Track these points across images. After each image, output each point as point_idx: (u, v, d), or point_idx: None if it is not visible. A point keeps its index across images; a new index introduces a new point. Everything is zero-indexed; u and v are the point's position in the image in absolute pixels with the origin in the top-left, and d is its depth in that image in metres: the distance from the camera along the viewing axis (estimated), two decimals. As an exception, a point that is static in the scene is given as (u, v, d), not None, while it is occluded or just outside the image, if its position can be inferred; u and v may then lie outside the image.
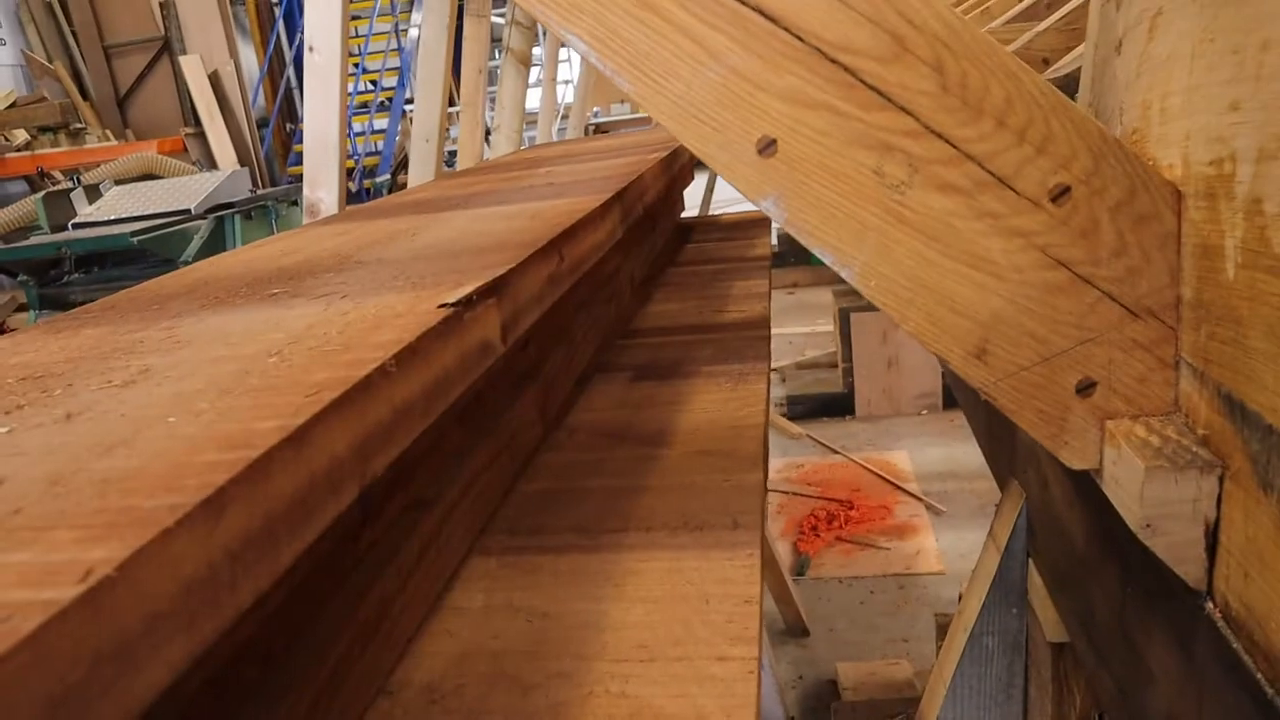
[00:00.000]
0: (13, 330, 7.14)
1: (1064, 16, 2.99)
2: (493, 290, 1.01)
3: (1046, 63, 2.95)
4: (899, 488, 4.00)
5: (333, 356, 0.80)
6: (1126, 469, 0.94)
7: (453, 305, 0.91)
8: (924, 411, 4.84)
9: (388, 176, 11.20)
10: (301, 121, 13.03)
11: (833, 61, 0.91)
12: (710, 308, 2.20)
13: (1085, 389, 1.01)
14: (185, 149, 9.59)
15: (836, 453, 4.45)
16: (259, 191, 6.39)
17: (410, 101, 15.18)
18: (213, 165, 9.66)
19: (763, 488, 1.27)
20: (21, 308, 7.48)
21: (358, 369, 0.74)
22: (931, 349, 1.00)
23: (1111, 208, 0.95)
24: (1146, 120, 1.02)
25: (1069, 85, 2.34)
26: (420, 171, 3.21)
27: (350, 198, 10.97)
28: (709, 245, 2.94)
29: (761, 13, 0.90)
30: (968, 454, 4.21)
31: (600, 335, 1.84)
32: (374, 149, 11.77)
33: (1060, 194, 0.95)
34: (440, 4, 3.23)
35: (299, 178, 12.11)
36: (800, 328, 6.38)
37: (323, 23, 2.54)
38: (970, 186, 0.94)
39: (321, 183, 2.60)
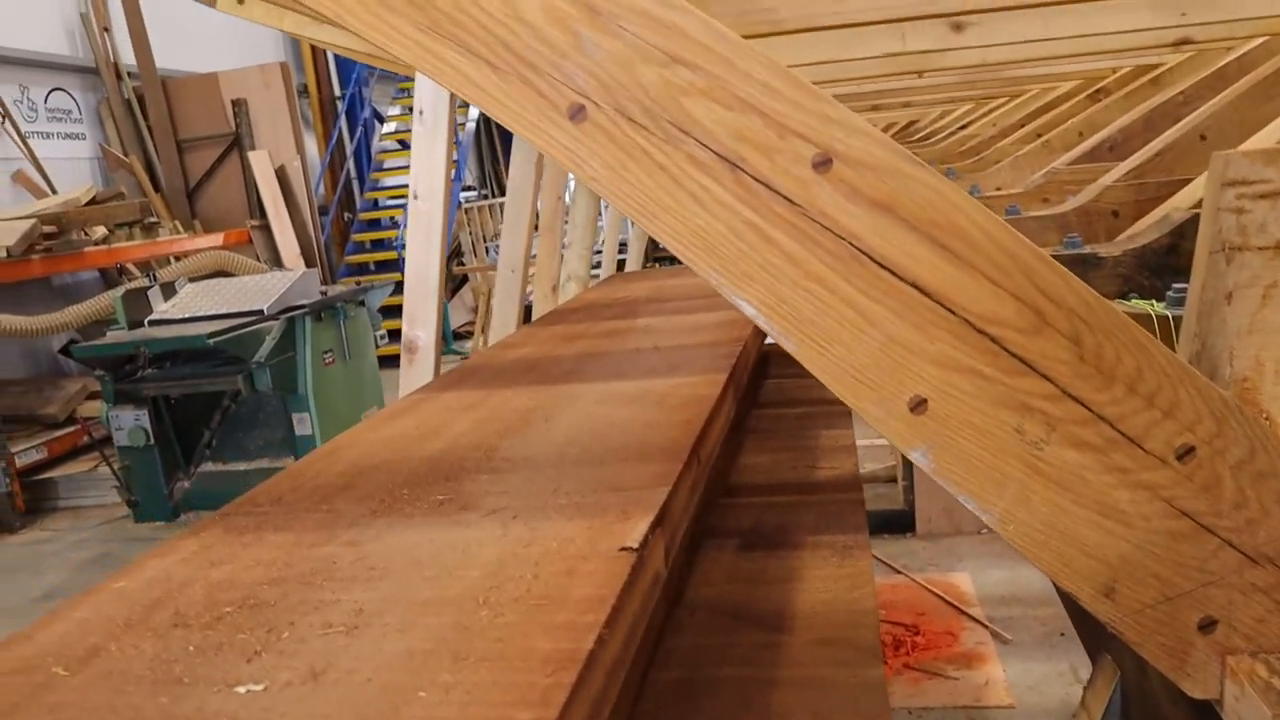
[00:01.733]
0: (91, 419, 7.34)
1: (1132, 170, 3.09)
2: (659, 521, 1.10)
3: (1116, 215, 3.05)
4: (964, 613, 4.03)
5: (544, 615, 0.89)
6: (1250, 710, 1.01)
7: (635, 550, 1.00)
8: (985, 530, 4.85)
9: (442, 267, 11.43)
10: (360, 210, 13.39)
11: (980, 332, 1.01)
12: (802, 461, 2.28)
13: (1207, 626, 1.08)
14: (250, 240, 9.88)
15: (899, 572, 4.49)
16: (328, 293, 6.57)
17: (468, 189, 15.54)
18: (276, 256, 9.94)
19: (884, 682, 1.34)
20: (93, 395, 7.71)
21: (579, 638, 0.83)
22: (1063, 586, 1.09)
23: (1233, 466, 1.04)
24: (1260, 375, 1.11)
25: (1146, 256, 2.43)
26: (505, 301, 3.35)
27: (400, 287, 11.21)
28: (787, 383, 3.03)
29: (917, 288, 1.00)
30: (1031, 577, 4.24)
31: (708, 498, 1.93)
32: (430, 240, 12.03)
33: (1185, 453, 1.03)
34: (528, 143, 3.39)
35: (359, 267, 12.41)
36: (859, 441, 6.43)
37: (427, 172, 2.69)
38: (1103, 444, 1.03)
39: (420, 322, 2.73)
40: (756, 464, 2.31)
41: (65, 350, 8.04)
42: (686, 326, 2.33)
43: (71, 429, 7.46)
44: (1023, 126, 5.74)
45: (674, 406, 1.57)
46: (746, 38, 1.04)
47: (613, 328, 2.44)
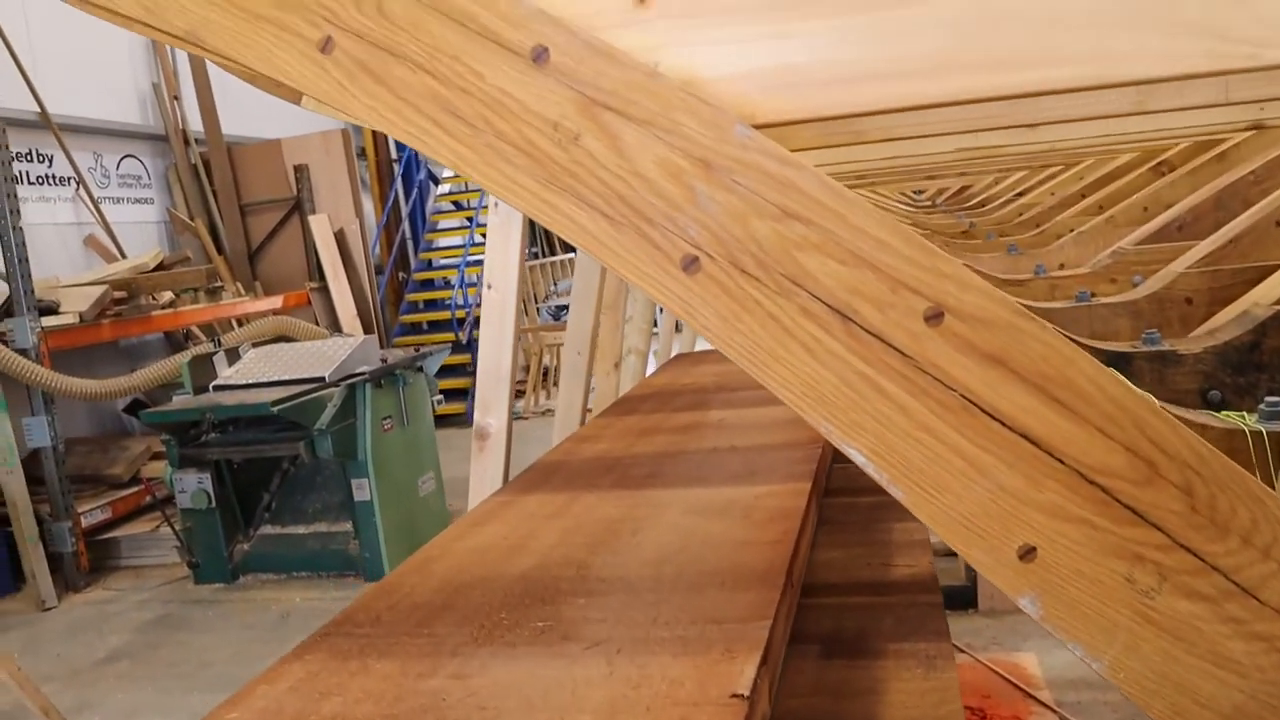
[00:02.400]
0: (155, 480, 7.47)
1: (1206, 257, 3.07)
2: (764, 660, 1.11)
3: (1190, 303, 3.02)
4: (1032, 696, 3.96)
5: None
6: None
7: (746, 697, 1.01)
8: (1047, 606, 4.76)
9: (496, 328, 11.54)
10: (414, 270, 13.58)
11: (1091, 482, 1.01)
12: (875, 558, 2.27)
13: (1325, 778, 1.07)
14: (309, 302, 10.05)
15: (963, 651, 4.42)
16: (388, 359, 6.66)
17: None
18: (334, 318, 10.10)
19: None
20: (156, 455, 7.84)
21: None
22: (1175, 736, 1.08)
23: (1355, 618, 1.03)
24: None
25: (1227, 354, 2.41)
26: (571, 383, 3.39)
27: (459, 348, 11.26)
28: (853, 467, 3.02)
29: (1028, 438, 1.01)
30: (1099, 660, 4.15)
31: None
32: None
33: (1304, 605, 1.03)
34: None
35: (412, 326, 12.56)
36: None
37: (501, 262, 2.74)
38: (1216, 595, 1.03)
39: (492, 409, 2.76)
40: (830, 560, 2.30)
41: (130, 409, 8.21)
42: (762, 422, 2.34)
43: (135, 489, 7.59)
44: (1084, 197, 5.72)
45: (762, 521, 1.58)
46: (828, 148, 1.06)
47: (687, 422, 2.46)
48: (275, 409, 5.67)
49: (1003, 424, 1.01)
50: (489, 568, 1.51)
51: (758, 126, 1.06)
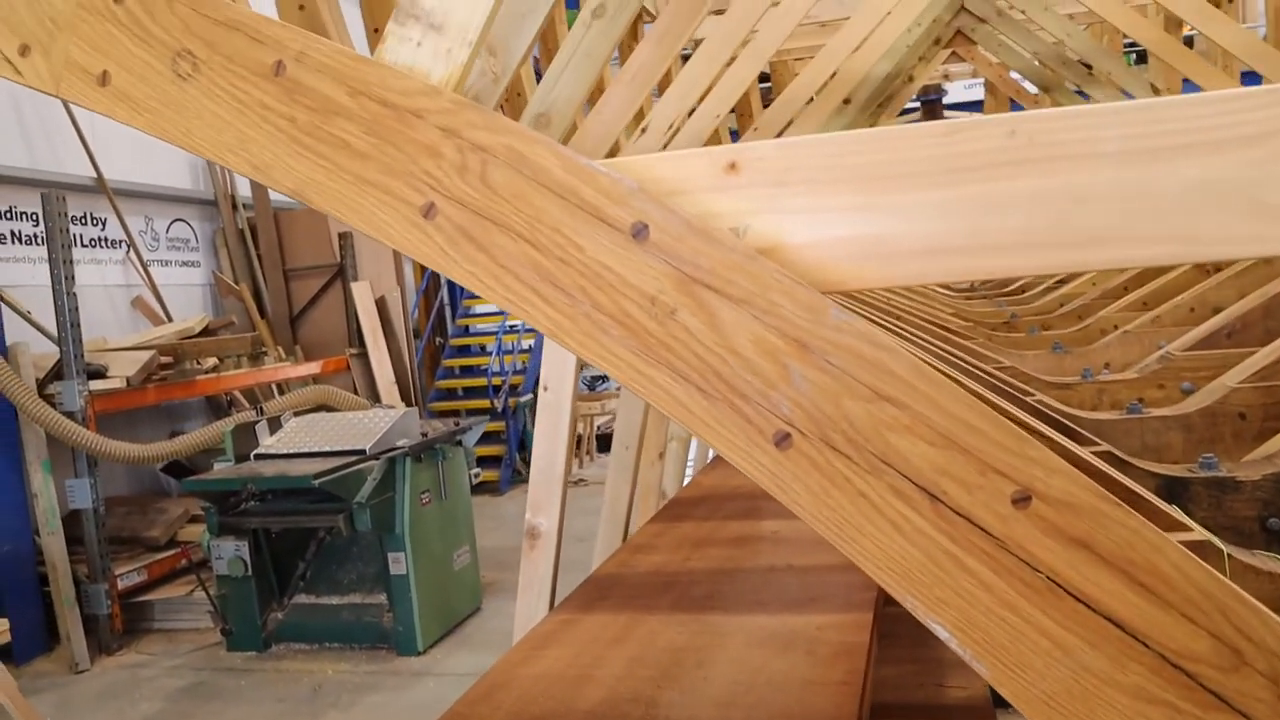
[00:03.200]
0: (191, 544, 7.52)
1: (1258, 372, 3.07)
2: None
3: (1243, 418, 3.02)
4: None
5: None
6: None
7: None
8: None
9: (530, 396, 11.62)
10: (451, 336, 13.71)
11: (1175, 667, 1.02)
12: (929, 677, 2.27)
13: None
14: (349, 367, 10.16)
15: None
16: (428, 434, 6.71)
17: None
18: (372, 383, 10.20)
19: None
20: (194, 519, 7.90)
21: None
22: None
23: None
24: None
25: (1288, 484, 2.41)
26: (619, 478, 3.41)
27: (494, 414, 11.27)
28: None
29: (1112, 621, 1.02)
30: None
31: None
32: (520, 368, 12.27)
33: (1392, 796, 1.03)
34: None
35: (448, 392, 12.64)
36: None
37: (557, 367, 2.79)
38: (1303, 782, 1.03)
39: (544, 509, 2.78)
40: (882, 677, 2.30)
41: (169, 469, 8.29)
42: (816, 536, 2.34)
43: (172, 552, 7.64)
44: (1126, 291, 5.72)
45: (827, 658, 1.59)
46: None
47: (740, 533, 2.47)
48: (316, 482, 5.72)
49: (1087, 606, 1.03)
50: (557, 700, 1.52)
51: (843, 291, 1.09)
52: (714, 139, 4.86)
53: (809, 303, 1.06)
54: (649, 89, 3.59)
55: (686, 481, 4.16)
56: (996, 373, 3.39)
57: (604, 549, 3.47)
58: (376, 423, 6.62)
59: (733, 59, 4.36)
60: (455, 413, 11.19)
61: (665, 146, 3.80)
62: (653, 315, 1.09)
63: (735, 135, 7.92)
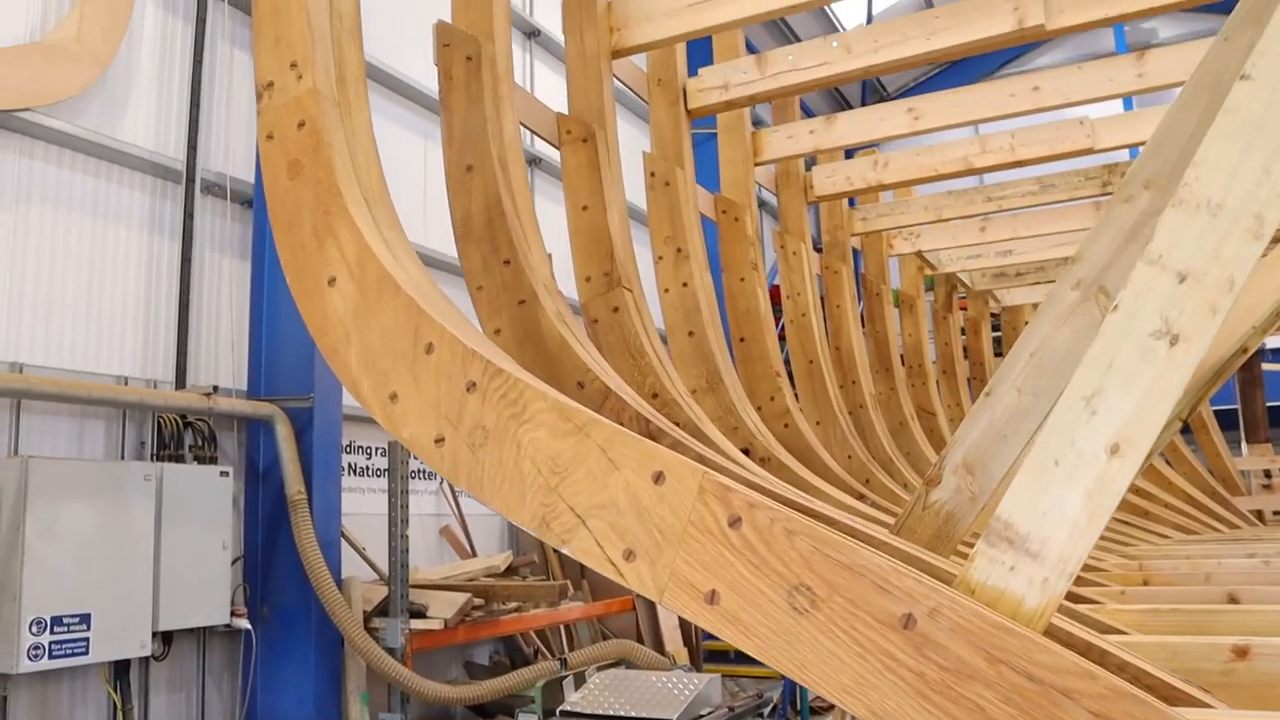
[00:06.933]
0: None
1: None
2: None
3: None
4: None
5: None
6: None
7: None
8: None
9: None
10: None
11: None
12: None
13: None
14: (634, 608, 10.28)
15: None
16: (733, 708, 6.63)
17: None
18: (655, 627, 10.24)
19: None
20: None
21: None
22: None
23: None
24: None
25: None
26: None
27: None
28: None
29: None
30: None
31: None
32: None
33: None
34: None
35: (720, 653, 12.44)
36: None
37: None
38: None
39: None
40: None
41: (473, 708, 8.49)
42: None
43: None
44: None
45: None
46: None
47: None
48: (632, 753, 5.71)
49: None
50: None
51: None
52: None
53: None
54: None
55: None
56: None
57: None
58: (681, 689, 6.59)
59: None
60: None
61: None
62: None
63: None
